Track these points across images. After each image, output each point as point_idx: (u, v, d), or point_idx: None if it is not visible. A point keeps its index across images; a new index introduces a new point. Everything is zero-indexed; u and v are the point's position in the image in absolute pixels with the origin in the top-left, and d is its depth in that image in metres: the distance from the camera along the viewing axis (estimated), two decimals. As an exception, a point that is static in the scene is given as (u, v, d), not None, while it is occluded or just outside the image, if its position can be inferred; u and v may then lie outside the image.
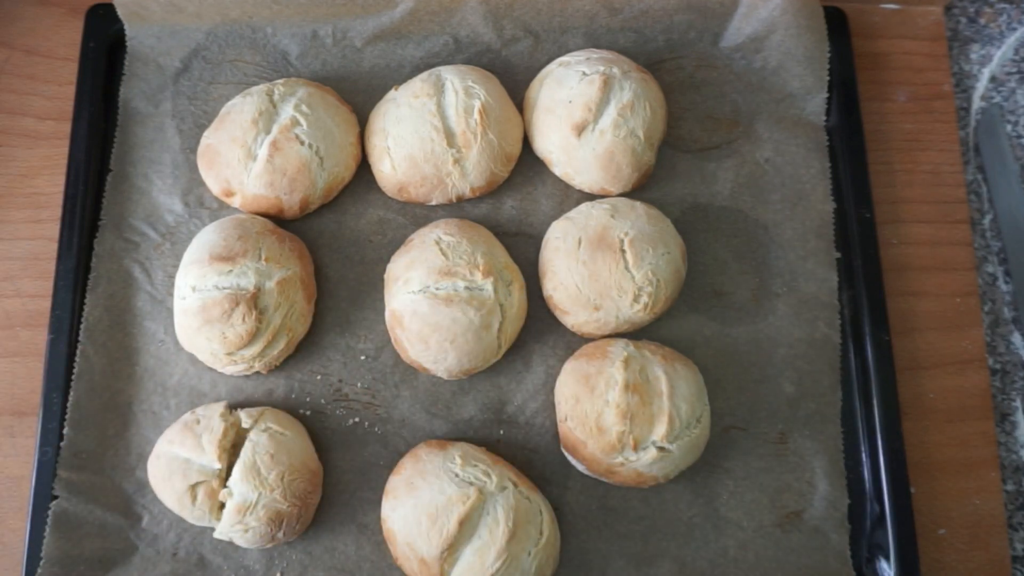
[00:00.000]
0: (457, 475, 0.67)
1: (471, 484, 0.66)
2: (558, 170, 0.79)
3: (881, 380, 0.76)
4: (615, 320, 0.72)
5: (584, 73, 0.76)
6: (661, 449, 0.67)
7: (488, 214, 0.80)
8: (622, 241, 0.72)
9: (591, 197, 0.79)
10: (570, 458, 0.72)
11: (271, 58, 0.83)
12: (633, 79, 0.76)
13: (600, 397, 0.68)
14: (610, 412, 0.67)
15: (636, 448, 0.67)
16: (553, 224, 0.77)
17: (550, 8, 0.84)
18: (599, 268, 0.71)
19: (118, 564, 0.70)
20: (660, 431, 0.67)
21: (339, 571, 0.70)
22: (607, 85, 0.75)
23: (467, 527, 0.65)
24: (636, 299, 0.71)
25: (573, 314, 0.73)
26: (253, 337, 0.70)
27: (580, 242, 0.73)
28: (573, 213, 0.76)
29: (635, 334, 0.76)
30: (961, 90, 0.91)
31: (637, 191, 0.79)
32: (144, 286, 0.77)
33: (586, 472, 0.72)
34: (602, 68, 0.76)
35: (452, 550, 0.65)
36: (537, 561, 0.66)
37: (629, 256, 0.71)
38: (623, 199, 0.76)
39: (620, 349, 0.70)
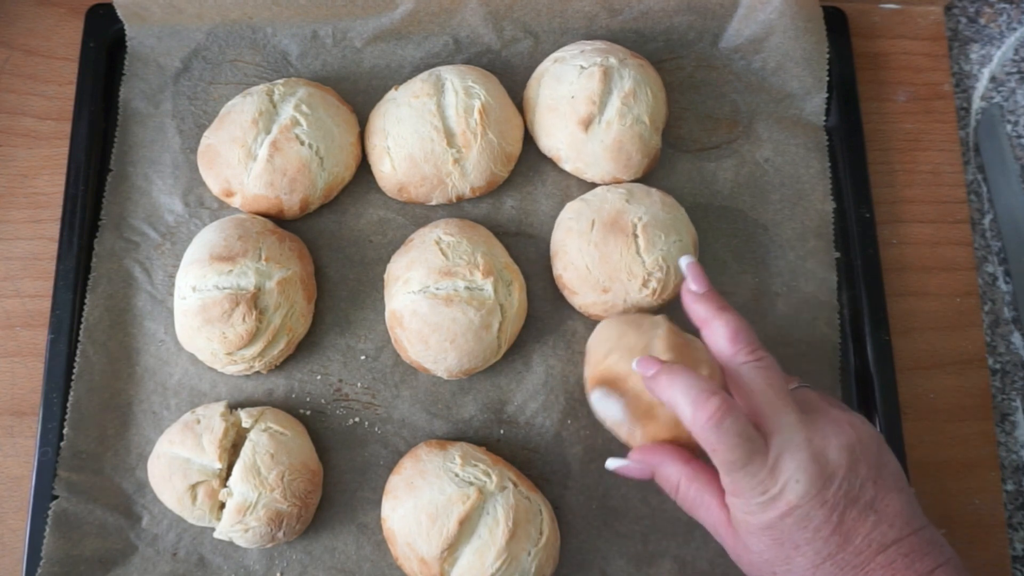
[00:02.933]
0: (457, 475, 0.67)
1: (471, 484, 0.66)
2: (568, 166, 0.79)
3: (881, 380, 0.76)
4: (622, 303, 0.73)
5: (582, 67, 0.77)
6: None
7: (488, 214, 0.80)
8: (635, 226, 0.72)
9: (593, 194, 0.80)
10: (600, 404, 0.66)
11: (271, 58, 0.83)
12: (631, 66, 0.77)
13: (646, 333, 0.65)
14: (659, 343, 0.64)
15: None
16: (567, 205, 0.77)
17: (550, 9, 0.84)
18: (610, 250, 0.72)
19: (118, 564, 0.70)
20: (704, 373, 0.62)
21: (339, 571, 0.70)
22: (607, 76, 0.75)
23: (467, 527, 0.65)
24: (645, 284, 0.72)
25: (581, 295, 0.74)
26: (253, 337, 0.70)
27: (593, 224, 0.73)
28: (589, 195, 0.76)
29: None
30: (961, 90, 0.91)
31: (646, 178, 0.79)
32: (144, 286, 0.77)
33: (618, 417, 0.65)
34: (599, 59, 0.76)
35: (452, 550, 0.65)
36: (537, 561, 0.66)
37: (641, 241, 0.72)
38: (639, 185, 0.77)
39: (660, 320, 0.68)
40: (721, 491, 0.58)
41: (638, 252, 0.72)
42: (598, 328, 0.70)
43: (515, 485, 0.68)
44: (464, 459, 0.68)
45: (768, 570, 0.56)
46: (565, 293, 0.76)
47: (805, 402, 0.58)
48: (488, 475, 0.67)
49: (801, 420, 0.56)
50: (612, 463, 0.64)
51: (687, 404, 0.56)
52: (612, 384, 0.66)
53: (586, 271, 0.73)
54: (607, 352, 0.67)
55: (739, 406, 0.56)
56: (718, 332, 0.61)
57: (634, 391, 0.64)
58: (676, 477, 0.60)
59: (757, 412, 0.57)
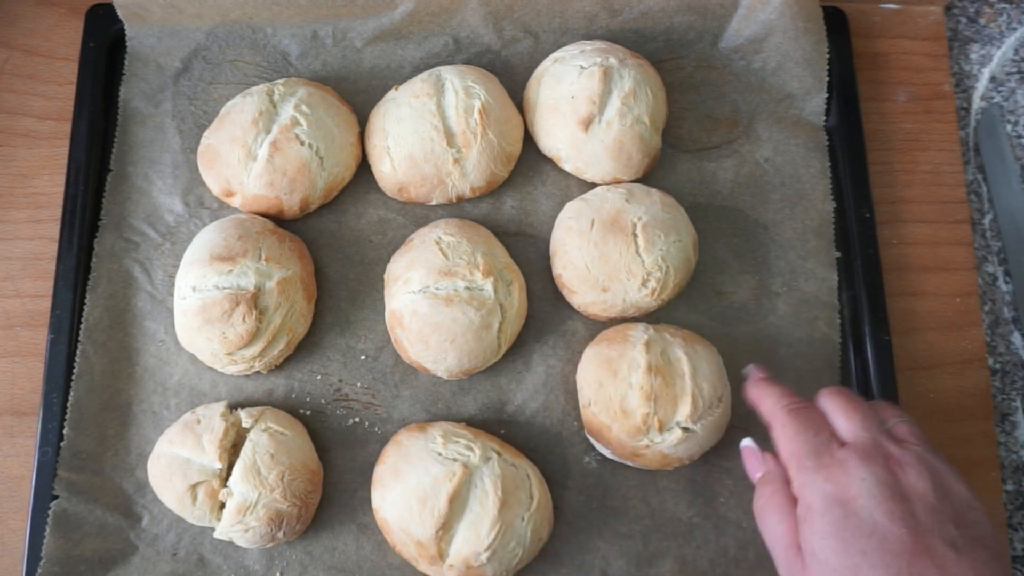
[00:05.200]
0: (440, 454, 0.67)
1: (455, 460, 0.66)
2: (568, 166, 0.79)
3: (881, 380, 0.76)
4: (621, 303, 0.73)
5: (582, 67, 0.77)
6: (685, 430, 0.68)
7: (488, 214, 0.80)
8: (635, 225, 0.72)
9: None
10: (595, 443, 0.72)
11: (271, 58, 0.83)
12: (630, 66, 0.77)
13: (623, 380, 0.68)
14: (634, 395, 0.68)
15: (661, 430, 0.67)
16: (567, 204, 0.77)
17: (550, 9, 0.84)
18: (610, 250, 0.72)
19: (118, 564, 0.70)
20: (684, 411, 0.67)
21: (339, 571, 0.70)
22: (607, 76, 0.75)
23: (457, 503, 0.65)
24: (644, 283, 0.72)
25: (581, 294, 0.74)
26: (253, 337, 0.70)
27: (593, 223, 0.73)
28: (589, 195, 0.77)
29: (641, 320, 0.76)
30: (961, 90, 0.91)
31: (646, 178, 0.80)
32: (144, 286, 0.77)
33: (611, 456, 0.72)
34: (599, 59, 0.76)
35: (446, 528, 0.65)
36: (532, 525, 0.66)
37: (640, 240, 0.72)
38: (639, 185, 0.77)
39: (641, 332, 0.71)
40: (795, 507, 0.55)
41: (637, 252, 0.72)
42: (581, 365, 0.73)
43: (499, 454, 0.68)
44: (445, 437, 0.68)
45: None
46: (564, 292, 0.76)
47: (896, 436, 0.56)
48: (471, 449, 0.67)
49: (881, 440, 0.54)
50: (747, 442, 0.66)
51: (771, 398, 0.61)
52: (596, 434, 0.71)
53: (585, 270, 0.73)
54: (588, 401, 0.71)
55: (819, 412, 0.58)
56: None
57: (617, 440, 0.69)
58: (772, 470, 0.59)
59: (838, 434, 0.56)
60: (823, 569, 0.50)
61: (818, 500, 0.52)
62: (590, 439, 0.73)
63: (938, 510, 0.50)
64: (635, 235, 0.72)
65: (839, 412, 0.57)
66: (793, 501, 0.55)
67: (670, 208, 0.75)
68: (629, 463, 0.71)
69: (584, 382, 0.71)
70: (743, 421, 0.75)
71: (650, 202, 0.74)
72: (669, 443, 0.68)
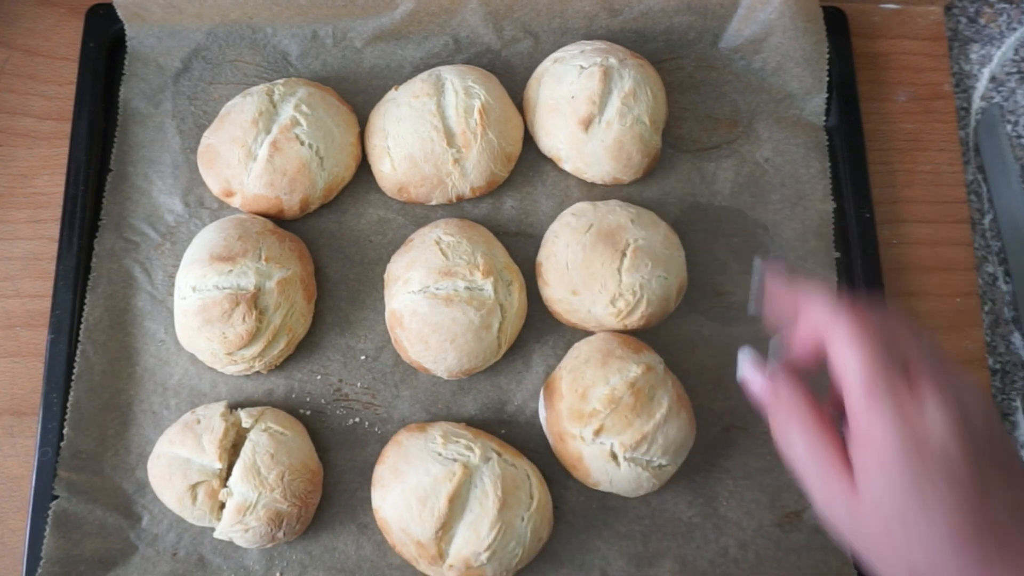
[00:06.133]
0: (440, 454, 0.67)
1: (455, 460, 0.67)
2: (568, 166, 0.79)
3: (881, 380, 0.76)
4: (586, 312, 0.73)
5: (582, 67, 0.77)
6: (614, 456, 0.67)
7: (488, 214, 0.80)
8: (628, 244, 0.72)
9: (595, 195, 0.79)
10: (541, 403, 0.73)
11: (271, 58, 0.83)
12: (630, 66, 0.77)
13: (605, 374, 0.68)
14: (602, 391, 0.68)
15: (596, 434, 0.67)
16: (577, 203, 0.77)
17: (550, 9, 0.84)
18: (594, 257, 0.72)
19: (118, 564, 0.70)
20: (626, 439, 0.67)
21: (339, 571, 0.70)
22: (607, 76, 0.75)
23: (457, 503, 0.65)
24: (613, 302, 0.71)
25: (552, 287, 0.74)
26: (253, 337, 0.70)
27: (590, 227, 0.73)
28: (601, 203, 0.76)
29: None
30: (961, 90, 0.91)
31: (646, 177, 0.80)
32: (144, 286, 0.77)
33: (543, 427, 0.73)
34: (599, 59, 0.76)
35: (446, 528, 0.65)
36: (532, 525, 0.67)
37: (627, 260, 0.72)
38: (651, 213, 0.76)
39: (653, 359, 0.71)
40: (844, 456, 0.50)
41: (619, 269, 0.72)
42: (585, 339, 0.73)
43: (499, 455, 0.68)
44: (445, 437, 0.68)
45: (896, 523, 0.47)
46: (539, 281, 0.76)
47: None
48: (471, 449, 0.67)
49: (946, 364, 0.50)
50: (744, 368, 0.59)
51: (821, 301, 0.53)
52: (549, 394, 0.71)
53: (564, 267, 0.73)
54: (565, 366, 0.72)
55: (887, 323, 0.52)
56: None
57: (557, 412, 0.70)
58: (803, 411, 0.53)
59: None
60: (885, 505, 0.47)
61: (886, 429, 0.48)
62: (540, 398, 0.73)
63: (994, 435, 0.49)
64: (624, 254, 0.72)
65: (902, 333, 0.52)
66: (825, 419, 0.52)
67: (671, 245, 0.74)
68: (552, 445, 0.72)
69: (576, 351, 0.72)
70: (744, 422, 0.75)
71: (653, 231, 0.74)
72: (591, 452, 0.68)
